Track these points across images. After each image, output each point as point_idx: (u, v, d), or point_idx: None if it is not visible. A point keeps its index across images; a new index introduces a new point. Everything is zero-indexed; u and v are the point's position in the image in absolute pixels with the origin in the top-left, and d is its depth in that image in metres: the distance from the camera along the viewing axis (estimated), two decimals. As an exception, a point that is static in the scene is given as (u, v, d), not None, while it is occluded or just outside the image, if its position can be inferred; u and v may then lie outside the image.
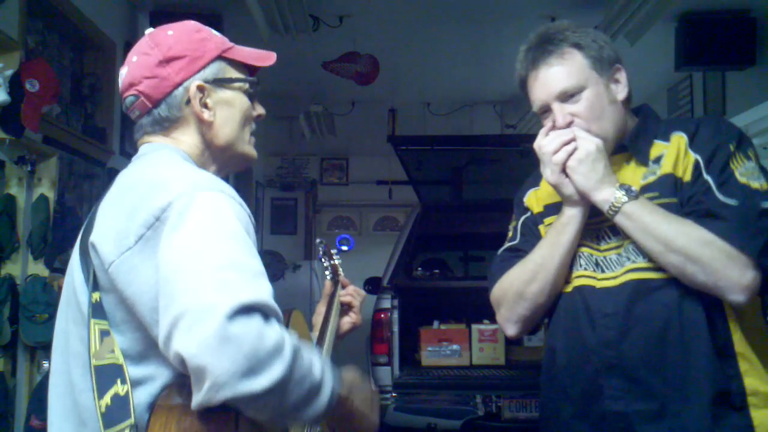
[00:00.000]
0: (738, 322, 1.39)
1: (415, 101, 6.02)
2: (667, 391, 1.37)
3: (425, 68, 5.29)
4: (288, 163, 7.78)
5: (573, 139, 1.43)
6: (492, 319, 3.85)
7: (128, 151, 3.64)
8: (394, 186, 7.69)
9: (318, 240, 1.97)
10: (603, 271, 1.46)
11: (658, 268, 1.39)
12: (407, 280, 4.28)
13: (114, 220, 1.07)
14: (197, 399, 0.92)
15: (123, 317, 1.05)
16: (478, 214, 4.71)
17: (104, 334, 1.04)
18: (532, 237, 1.59)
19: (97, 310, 1.05)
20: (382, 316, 3.66)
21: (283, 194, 7.75)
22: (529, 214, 1.64)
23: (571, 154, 1.43)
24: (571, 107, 1.45)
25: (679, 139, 1.45)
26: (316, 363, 1.02)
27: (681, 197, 1.41)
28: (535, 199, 1.64)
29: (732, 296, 1.33)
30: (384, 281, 3.93)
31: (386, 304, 3.71)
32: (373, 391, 1.25)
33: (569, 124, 1.44)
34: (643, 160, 1.47)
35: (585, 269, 1.49)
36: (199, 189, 1.05)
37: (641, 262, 1.42)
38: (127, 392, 1.01)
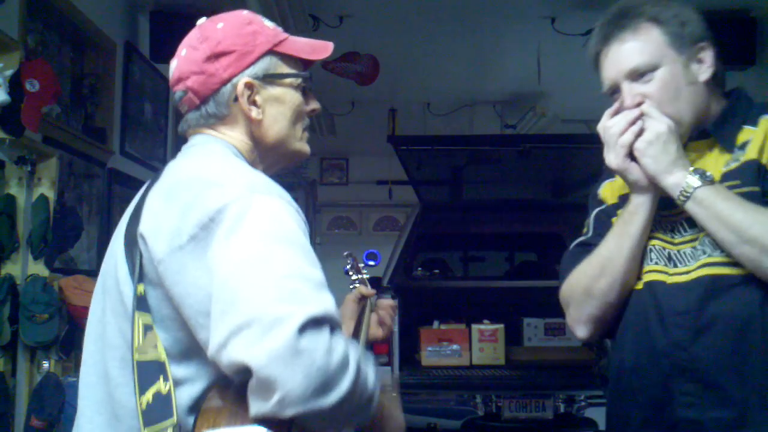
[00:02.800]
0: None
1: (415, 101, 6.02)
2: (748, 398, 1.25)
3: (425, 68, 5.29)
4: (288, 163, 7.77)
5: (640, 118, 1.31)
6: (492, 318, 3.90)
7: (128, 151, 3.64)
8: (394, 186, 7.69)
9: (346, 253, 1.90)
10: (676, 266, 1.34)
11: (738, 262, 1.27)
12: (407, 280, 4.27)
13: (166, 215, 1.04)
14: (261, 410, 0.89)
15: (169, 314, 1.02)
16: (478, 214, 4.71)
17: (147, 328, 1.01)
18: (604, 230, 1.45)
19: (142, 303, 1.02)
20: (382, 316, 3.65)
21: (283, 194, 7.75)
22: (603, 206, 1.51)
23: (638, 135, 1.31)
24: (641, 87, 1.33)
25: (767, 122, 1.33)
26: (371, 374, 0.99)
27: (764, 186, 1.29)
28: (610, 190, 1.50)
29: None
30: (384, 281, 3.93)
31: (386, 304, 3.70)
32: (395, 395, 1.23)
33: (638, 106, 1.32)
34: (728, 147, 1.34)
35: (656, 263, 1.37)
36: (257, 192, 1.01)
37: (718, 256, 1.29)
38: (170, 390, 0.98)
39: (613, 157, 1.35)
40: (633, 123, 1.32)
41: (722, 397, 1.27)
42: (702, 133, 1.38)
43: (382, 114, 6.10)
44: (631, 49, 1.33)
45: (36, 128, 2.56)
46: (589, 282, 1.40)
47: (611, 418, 1.49)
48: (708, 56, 1.37)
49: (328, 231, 8.28)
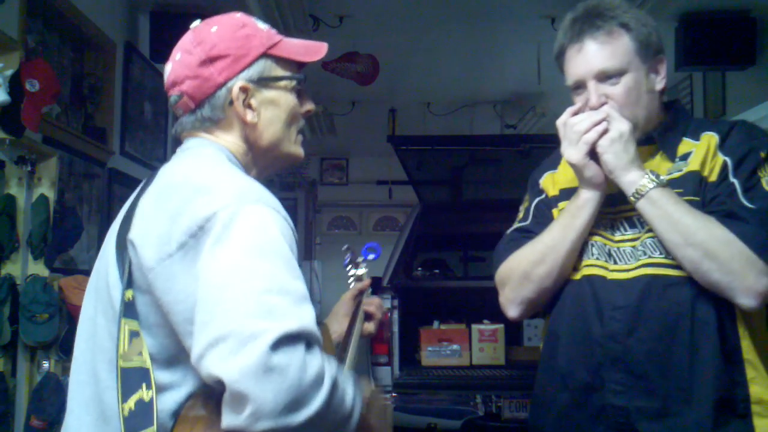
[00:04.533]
0: (748, 329, 1.37)
1: (415, 101, 6.02)
2: (670, 391, 1.35)
3: (425, 68, 5.29)
4: (288, 163, 7.75)
5: (604, 119, 1.39)
6: (492, 318, 3.89)
7: (128, 151, 3.64)
8: (394, 186, 7.70)
9: (345, 246, 1.91)
10: (615, 263, 1.43)
11: (675, 264, 1.37)
12: (407, 280, 4.27)
13: (156, 221, 1.04)
14: (233, 423, 0.90)
15: (157, 321, 1.03)
16: (478, 214, 4.70)
17: (133, 335, 1.02)
18: (543, 220, 1.56)
19: (129, 309, 1.03)
20: (382, 316, 3.65)
21: (283, 194, 7.73)
22: (543, 196, 1.60)
23: (601, 135, 1.39)
24: (607, 89, 1.41)
25: (710, 138, 1.42)
26: (349, 391, 1.00)
27: (704, 196, 1.39)
28: (551, 182, 1.60)
29: (743, 300, 1.31)
30: (384, 281, 3.92)
31: (386, 304, 3.69)
32: (387, 404, 1.23)
33: (602, 106, 1.41)
34: (671, 156, 1.45)
35: (597, 258, 1.46)
36: (246, 201, 1.02)
37: (658, 257, 1.39)
38: (152, 398, 0.98)
39: (573, 153, 1.42)
40: (597, 123, 1.39)
41: (648, 388, 1.37)
42: (645, 140, 1.45)
43: (382, 114, 6.10)
44: (604, 52, 1.40)
45: (36, 128, 2.56)
46: (529, 267, 1.49)
47: (538, 398, 1.57)
48: (663, 68, 1.47)
49: (328, 231, 8.28)
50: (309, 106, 1.25)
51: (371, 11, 4.24)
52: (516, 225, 1.62)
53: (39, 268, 2.63)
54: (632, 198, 1.38)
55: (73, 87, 3.27)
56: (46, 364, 2.65)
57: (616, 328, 1.40)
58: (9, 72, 2.38)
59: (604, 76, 1.41)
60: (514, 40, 4.67)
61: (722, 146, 1.41)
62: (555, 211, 1.56)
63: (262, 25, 1.21)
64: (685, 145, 1.45)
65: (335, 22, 4.25)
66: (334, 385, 0.95)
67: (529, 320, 4.01)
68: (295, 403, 0.89)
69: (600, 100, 1.41)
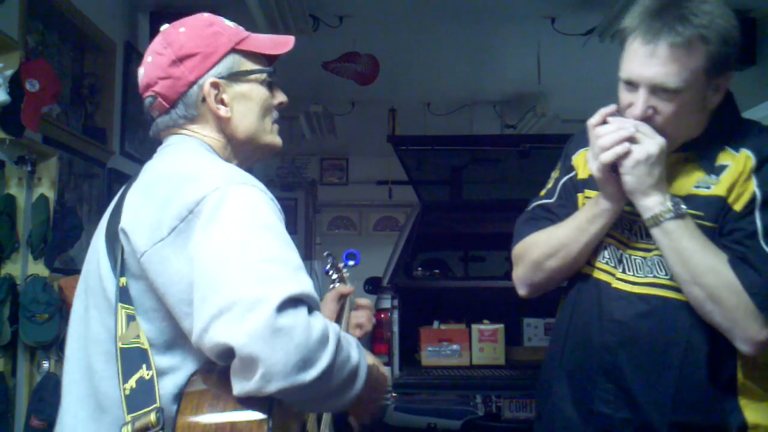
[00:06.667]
0: (748, 358, 1.33)
1: (415, 101, 6.01)
2: (655, 412, 1.35)
3: (425, 68, 5.29)
4: (288, 163, 7.78)
5: (631, 137, 1.31)
6: (492, 318, 3.89)
7: (128, 151, 3.64)
8: (394, 186, 7.69)
9: (326, 253, 1.96)
10: (624, 271, 1.41)
11: (679, 288, 1.34)
12: (407, 280, 4.27)
13: (146, 210, 1.07)
14: (245, 387, 0.93)
15: (152, 305, 1.06)
16: (478, 214, 4.71)
17: (130, 318, 1.05)
18: (567, 203, 1.53)
19: (124, 295, 1.06)
20: (382, 316, 3.66)
21: (283, 194, 7.75)
22: (572, 174, 1.55)
23: (623, 156, 1.31)
24: (657, 102, 1.31)
25: (747, 158, 1.34)
26: (354, 350, 1.03)
27: (722, 224, 1.33)
28: (583, 161, 1.51)
29: (742, 346, 1.29)
30: (384, 281, 3.92)
31: (386, 304, 3.70)
32: (383, 372, 1.25)
33: (645, 119, 1.32)
34: (706, 167, 1.37)
35: (607, 263, 1.44)
36: (233, 183, 1.05)
37: (663, 278, 1.37)
38: (152, 377, 1.01)
39: (594, 166, 1.37)
40: (621, 141, 1.31)
41: (634, 402, 1.37)
42: (682, 146, 1.39)
43: (382, 114, 6.09)
44: (671, 66, 1.28)
45: (36, 128, 2.56)
46: (541, 258, 1.50)
47: (542, 381, 1.58)
48: (725, 84, 1.36)
49: (328, 231, 8.28)
50: (281, 98, 1.29)
51: (371, 11, 4.23)
52: (540, 200, 1.58)
53: (39, 268, 2.63)
54: (647, 223, 1.34)
55: (73, 87, 3.28)
56: (46, 364, 2.65)
57: (610, 340, 1.40)
58: (9, 72, 2.38)
59: (659, 90, 1.30)
60: (514, 40, 4.67)
61: (758, 171, 1.32)
62: (580, 197, 1.52)
63: (230, 23, 1.25)
64: (725, 155, 1.36)
65: (335, 22, 4.25)
66: (339, 343, 0.97)
67: (529, 320, 4.01)
68: (304, 362, 0.92)
69: (646, 113, 1.32)
